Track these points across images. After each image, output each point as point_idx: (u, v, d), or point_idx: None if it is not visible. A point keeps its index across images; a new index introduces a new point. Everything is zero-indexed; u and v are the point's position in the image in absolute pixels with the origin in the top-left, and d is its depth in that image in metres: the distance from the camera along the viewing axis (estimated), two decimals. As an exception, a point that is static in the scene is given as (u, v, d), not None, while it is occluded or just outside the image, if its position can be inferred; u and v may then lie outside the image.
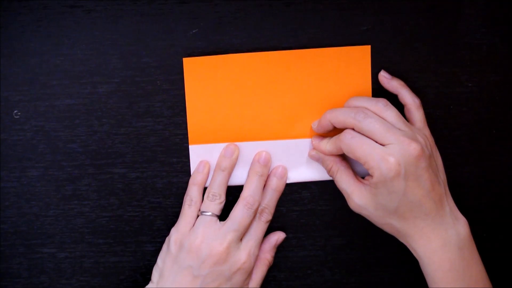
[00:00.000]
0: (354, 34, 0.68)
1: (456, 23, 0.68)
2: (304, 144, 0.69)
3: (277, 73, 0.67)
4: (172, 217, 0.70)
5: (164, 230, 0.70)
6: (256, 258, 0.67)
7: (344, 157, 0.66)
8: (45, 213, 0.70)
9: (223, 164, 0.67)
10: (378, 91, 0.68)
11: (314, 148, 0.68)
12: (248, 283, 0.67)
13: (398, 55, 0.68)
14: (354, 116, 0.62)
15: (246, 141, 0.68)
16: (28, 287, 0.71)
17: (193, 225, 0.66)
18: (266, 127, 0.68)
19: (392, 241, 0.65)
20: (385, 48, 0.68)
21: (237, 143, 0.68)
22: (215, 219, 0.66)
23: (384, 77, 0.67)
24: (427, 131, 0.66)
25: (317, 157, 0.67)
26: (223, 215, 0.67)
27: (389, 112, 0.63)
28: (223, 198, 0.67)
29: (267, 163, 0.68)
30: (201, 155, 0.68)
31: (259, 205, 0.67)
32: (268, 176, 0.68)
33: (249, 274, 0.66)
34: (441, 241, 0.61)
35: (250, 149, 0.68)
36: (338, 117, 0.64)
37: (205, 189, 0.68)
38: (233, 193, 0.69)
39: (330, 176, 0.67)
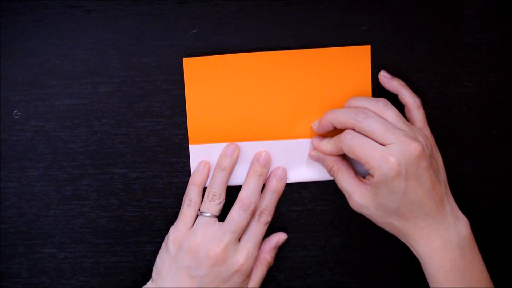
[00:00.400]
0: (354, 34, 0.68)
1: (456, 23, 0.68)
2: (304, 144, 0.68)
3: (277, 73, 0.67)
4: (172, 217, 0.70)
5: (164, 230, 0.70)
6: (255, 259, 0.67)
7: (344, 157, 0.66)
8: (45, 213, 0.70)
9: (224, 163, 0.67)
10: (378, 91, 0.68)
11: (314, 148, 0.68)
12: (247, 284, 0.67)
13: (398, 55, 0.68)
14: (354, 117, 0.62)
15: (246, 141, 0.68)
16: (28, 287, 0.71)
17: (192, 226, 0.66)
18: (266, 127, 0.68)
19: (392, 241, 0.65)
20: (385, 48, 0.68)
21: (237, 143, 0.68)
22: (214, 220, 0.66)
23: (384, 77, 0.67)
24: (427, 131, 0.66)
25: (318, 157, 0.67)
26: (224, 215, 0.67)
27: (389, 112, 0.63)
28: (223, 197, 0.67)
29: (266, 163, 0.68)
30: (201, 155, 0.68)
31: (256, 206, 0.67)
32: (268, 177, 0.68)
33: (248, 275, 0.66)
34: (442, 241, 0.61)
35: (250, 149, 0.68)
36: (338, 117, 0.64)
37: (205, 188, 0.68)
38: (233, 193, 0.68)
39: (331, 175, 0.66)
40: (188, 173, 0.69)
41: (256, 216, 0.67)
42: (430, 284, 0.63)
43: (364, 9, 0.67)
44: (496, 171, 0.71)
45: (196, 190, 0.67)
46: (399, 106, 0.66)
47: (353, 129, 0.63)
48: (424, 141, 0.62)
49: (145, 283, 0.69)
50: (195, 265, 0.64)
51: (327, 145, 0.66)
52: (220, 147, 0.68)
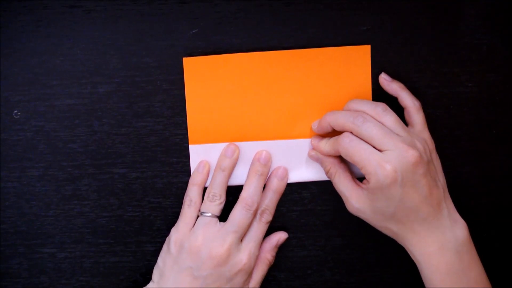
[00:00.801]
0: (354, 34, 0.68)
1: (456, 23, 0.68)
2: (304, 144, 0.68)
3: (277, 73, 0.67)
4: (172, 217, 0.70)
5: (164, 230, 0.70)
6: (257, 258, 0.67)
7: (342, 160, 0.66)
8: (45, 213, 0.70)
9: (224, 164, 0.67)
10: (378, 91, 0.68)
11: (313, 148, 0.68)
12: (248, 283, 0.67)
13: (398, 55, 0.68)
14: (353, 120, 0.62)
15: (246, 141, 0.68)
16: (28, 287, 0.71)
17: (193, 226, 0.66)
18: (266, 127, 0.68)
19: (392, 241, 0.65)
20: (385, 48, 0.68)
21: (237, 143, 0.68)
22: (215, 220, 0.66)
23: (384, 79, 0.67)
24: (426, 135, 0.65)
25: (316, 158, 0.67)
26: (224, 215, 0.67)
27: (388, 117, 0.63)
28: (223, 198, 0.67)
29: (267, 162, 0.68)
30: (201, 155, 0.68)
31: (258, 205, 0.67)
32: (268, 177, 0.68)
33: (250, 274, 0.66)
34: (438, 245, 0.61)
35: (250, 149, 0.68)
36: (337, 120, 0.64)
37: (205, 189, 0.68)
38: (233, 193, 0.69)
39: (328, 177, 0.67)
40: (188, 173, 0.69)
41: (258, 216, 0.67)
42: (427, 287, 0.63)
43: (364, 9, 0.67)
44: (496, 171, 0.71)
45: (196, 190, 0.67)
46: (399, 109, 0.66)
47: (351, 132, 0.63)
48: (422, 147, 0.62)
49: (145, 283, 0.69)
50: (198, 266, 0.64)
51: (326, 145, 0.66)
52: (220, 147, 0.68)
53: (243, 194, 0.67)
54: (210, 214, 0.66)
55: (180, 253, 0.65)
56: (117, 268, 0.71)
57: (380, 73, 0.67)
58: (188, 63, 0.67)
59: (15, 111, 0.68)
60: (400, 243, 0.64)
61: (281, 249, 0.70)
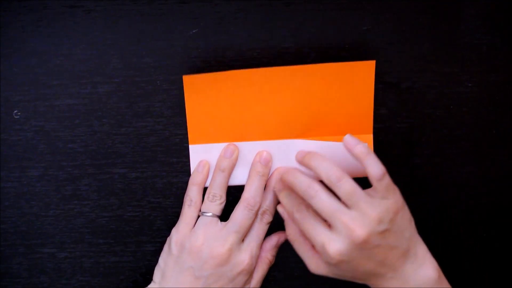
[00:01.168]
0: (354, 34, 0.68)
1: (456, 23, 0.68)
2: (304, 145, 0.68)
3: (279, 88, 0.66)
4: (172, 217, 0.70)
5: (164, 230, 0.70)
6: (257, 258, 0.67)
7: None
8: (45, 213, 0.70)
9: (223, 164, 0.67)
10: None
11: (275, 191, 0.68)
12: (249, 283, 0.67)
13: (398, 55, 0.68)
14: (305, 190, 0.62)
15: (246, 141, 0.68)
16: (28, 287, 0.71)
17: (194, 226, 0.66)
18: (266, 127, 0.68)
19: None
20: (385, 48, 0.68)
21: (237, 143, 0.68)
22: (216, 219, 0.66)
23: (348, 143, 0.62)
24: (391, 199, 0.62)
25: (283, 215, 0.67)
26: (224, 216, 0.67)
27: (342, 188, 0.61)
28: (223, 198, 0.67)
29: (267, 163, 0.68)
30: (201, 155, 0.68)
31: (260, 206, 0.67)
32: (269, 177, 0.68)
33: (251, 274, 0.66)
34: None
35: (250, 149, 0.68)
36: (294, 185, 0.64)
37: (205, 189, 0.68)
38: (233, 194, 0.69)
39: (290, 241, 0.67)
40: (188, 173, 0.69)
41: (259, 216, 0.67)
42: None
43: (364, 9, 0.67)
44: (496, 171, 0.71)
45: (196, 189, 0.67)
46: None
47: None
48: (376, 221, 0.60)
49: (145, 283, 0.69)
50: (199, 266, 0.64)
51: (284, 199, 0.66)
52: (220, 147, 0.68)
53: (245, 195, 0.67)
54: (210, 214, 0.66)
55: (181, 253, 0.65)
56: (117, 268, 0.71)
57: (381, 78, 0.67)
58: (188, 80, 0.66)
59: (15, 111, 0.68)
60: None
61: (281, 249, 0.70)
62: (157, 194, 0.70)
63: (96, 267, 0.71)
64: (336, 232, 0.61)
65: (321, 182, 0.63)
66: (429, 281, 0.62)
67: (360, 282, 0.63)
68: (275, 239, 0.69)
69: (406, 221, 0.63)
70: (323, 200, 0.61)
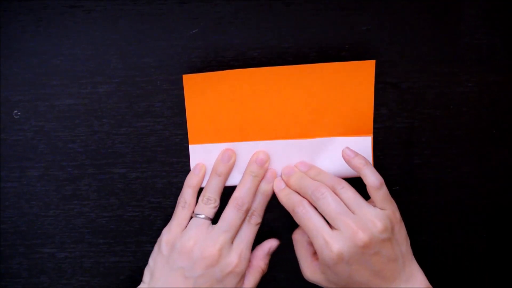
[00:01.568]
0: (354, 34, 0.68)
1: (456, 23, 0.68)
2: (304, 145, 0.68)
3: (278, 88, 0.66)
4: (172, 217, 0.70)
5: (164, 230, 0.70)
6: (248, 261, 0.67)
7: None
8: (45, 213, 0.70)
9: (220, 169, 0.67)
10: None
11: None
12: (241, 286, 0.67)
13: (398, 55, 0.68)
14: (312, 192, 0.64)
15: (246, 141, 0.68)
16: (28, 287, 0.71)
17: (185, 227, 0.66)
18: (266, 127, 0.68)
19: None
20: (385, 48, 0.68)
21: (237, 143, 0.68)
22: (208, 222, 0.66)
23: (347, 155, 0.65)
24: (389, 210, 0.64)
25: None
26: (216, 220, 0.67)
27: (345, 194, 0.64)
28: (217, 202, 0.67)
29: (263, 164, 0.68)
30: (201, 155, 0.68)
31: (249, 206, 0.67)
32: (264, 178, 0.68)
33: (241, 277, 0.66)
34: None
35: (250, 149, 0.68)
36: (300, 188, 0.66)
37: (201, 189, 0.68)
38: (230, 194, 0.68)
39: (292, 240, 0.68)
40: (188, 173, 0.69)
41: (247, 218, 0.67)
42: None
43: (364, 9, 0.67)
44: (496, 171, 0.71)
45: (191, 192, 0.67)
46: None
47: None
48: (378, 227, 0.62)
49: (145, 283, 0.69)
50: (189, 266, 0.64)
51: (284, 196, 0.67)
52: (220, 147, 0.68)
53: (235, 194, 0.67)
54: (203, 216, 0.66)
55: (172, 253, 0.65)
56: (117, 268, 0.71)
57: (381, 78, 0.67)
58: (188, 79, 0.66)
59: (15, 111, 0.68)
60: None
61: (281, 249, 0.70)
62: (157, 194, 0.70)
63: (96, 267, 0.71)
64: (339, 233, 0.62)
65: None
66: None
67: None
68: (267, 246, 0.69)
69: (403, 235, 0.64)
70: (329, 202, 0.63)
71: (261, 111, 0.67)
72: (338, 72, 0.66)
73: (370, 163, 0.65)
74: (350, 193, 0.64)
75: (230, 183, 0.69)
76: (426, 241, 0.72)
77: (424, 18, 0.68)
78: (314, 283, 0.66)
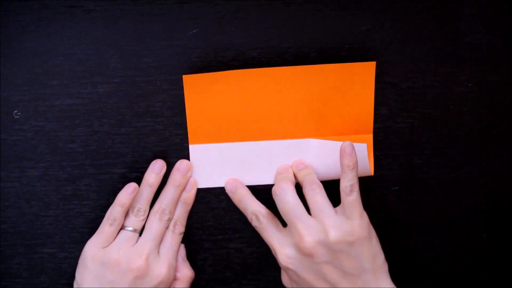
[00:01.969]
0: (354, 34, 0.68)
1: (456, 23, 0.68)
2: (304, 145, 0.68)
3: (279, 88, 0.66)
4: (172, 217, 0.70)
5: (164, 230, 0.70)
6: (175, 271, 0.67)
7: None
8: (45, 213, 0.70)
9: (150, 179, 0.67)
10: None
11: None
12: None
13: (398, 55, 0.68)
14: (274, 187, 0.65)
15: (246, 141, 0.68)
16: (28, 287, 0.71)
17: (112, 241, 0.66)
18: (266, 127, 0.68)
19: (389, 241, 0.65)
20: (385, 48, 0.68)
21: (237, 143, 0.68)
22: (136, 235, 0.66)
23: (343, 150, 0.63)
24: (355, 220, 0.62)
25: None
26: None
27: (312, 197, 0.63)
28: (147, 213, 0.67)
29: (185, 173, 0.68)
30: (201, 155, 0.68)
31: (172, 215, 0.67)
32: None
33: (170, 285, 0.66)
34: None
35: (250, 149, 0.68)
36: (275, 182, 0.67)
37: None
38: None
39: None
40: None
41: (171, 227, 0.67)
42: None
43: (364, 9, 0.67)
44: (496, 171, 0.71)
45: (121, 211, 0.66)
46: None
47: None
48: (327, 237, 0.61)
49: (145, 283, 0.69)
50: (118, 279, 0.64)
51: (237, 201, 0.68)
52: (220, 147, 0.68)
53: (157, 205, 0.67)
54: (131, 228, 0.66)
55: (100, 268, 0.64)
56: (117, 268, 0.71)
57: (381, 78, 0.67)
58: (188, 80, 0.66)
59: (15, 111, 0.68)
60: None
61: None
62: (157, 194, 0.70)
63: (96, 267, 0.71)
64: (290, 235, 0.62)
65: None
66: None
67: None
68: (180, 254, 0.69)
69: (368, 253, 0.62)
70: (286, 201, 0.63)
71: (261, 111, 0.67)
72: (339, 73, 0.66)
73: (357, 169, 0.63)
74: (318, 196, 0.63)
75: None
76: (426, 241, 0.72)
77: (424, 18, 0.68)
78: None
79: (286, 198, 0.63)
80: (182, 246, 0.69)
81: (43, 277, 0.71)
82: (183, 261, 0.69)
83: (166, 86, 0.68)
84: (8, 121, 0.68)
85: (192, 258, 0.70)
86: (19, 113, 0.68)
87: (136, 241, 0.66)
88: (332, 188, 0.67)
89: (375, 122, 0.68)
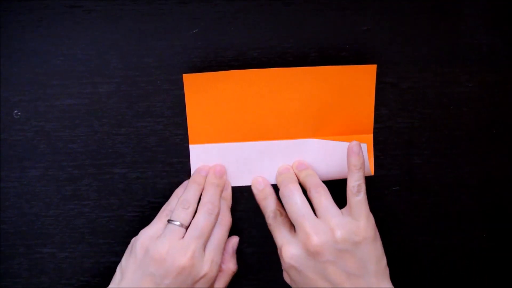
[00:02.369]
0: (354, 34, 0.68)
1: (456, 23, 0.68)
2: (305, 145, 0.68)
3: (279, 89, 0.66)
4: (172, 217, 0.70)
5: (164, 230, 0.70)
6: (219, 265, 0.66)
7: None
8: (45, 213, 0.70)
9: (215, 181, 0.68)
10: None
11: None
12: None
13: (398, 55, 0.68)
14: (282, 190, 0.65)
15: (246, 141, 0.68)
16: (28, 287, 0.71)
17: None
18: (266, 127, 0.68)
19: (388, 241, 0.65)
20: (385, 48, 0.68)
21: (237, 143, 0.68)
22: (183, 230, 0.65)
23: (351, 149, 0.64)
24: (362, 221, 0.62)
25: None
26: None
27: (318, 199, 0.64)
28: (195, 208, 0.66)
29: (222, 175, 0.68)
30: (202, 155, 0.68)
31: (219, 210, 0.66)
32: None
33: (213, 281, 0.66)
34: None
35: (250, 149, 0.68)
36: (277, 179, 0.68)
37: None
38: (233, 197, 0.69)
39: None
40: (188, 173, 0.69)
41: (218, 222, 0.67)
42: None
43: (364, 9, 0.67)
44: (496, 171, 0.71)
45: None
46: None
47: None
48: (333, 237, 0.61)
49: (145, 283, 0.69)
50: (161, 274, 0.63)
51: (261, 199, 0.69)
52: (220, 147, 0.68)
53: (204, 200, 0.66)
54: (178, 223, 0.65)
55: (145, 258, 0.64)
56: (117, 268, 0.71)
57: (381, 78, 0.67)
58: (188, 79, 0.66)
59: (15, 111, 0.68)
60: None
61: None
62: (157, 194, 0.70)
63: (96, 267, 0.71)
64: (295, 237, 0.63)
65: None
66: None
67: None
68: (230, 247, 0.69)
69: (372, 253, 0.62)
70: (294, 202, 0.64)
71: (262, 111, 0.67)
72: (339, 75, 0.66)
73: (364, 169, 0.63)
74: (323, 198, 0.63)
75: (233, 183, 0.69)
76: (426, 241, 0.72)
77: (424, 18, 0.68)
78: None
79: (294, 199, 0.64)
80: (236, 239, 0.69)
81: (43, 277, 0.71)
82: (231, 255, 0.69)
83: (166, 86, 0.68)
84: (8, 121, 0.68)
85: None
86: (19, 113, 0.68)
87: (181, 235, 0.65)
88: (333, 189, 0.67)
89: (375, 122, 0.69)
